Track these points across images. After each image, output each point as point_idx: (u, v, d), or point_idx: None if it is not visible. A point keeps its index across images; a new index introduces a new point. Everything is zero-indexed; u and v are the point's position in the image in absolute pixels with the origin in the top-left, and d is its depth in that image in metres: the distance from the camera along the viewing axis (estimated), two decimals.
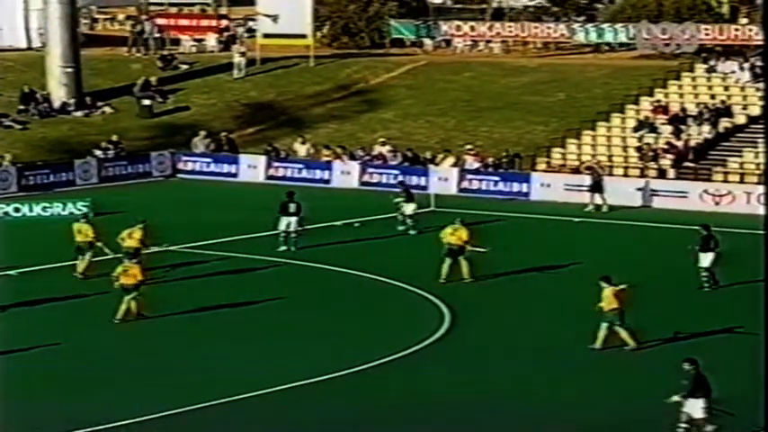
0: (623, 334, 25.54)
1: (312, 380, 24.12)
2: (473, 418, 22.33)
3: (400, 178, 43.80)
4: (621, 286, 25.78)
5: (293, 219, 34.99)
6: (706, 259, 30.44)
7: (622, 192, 42.38)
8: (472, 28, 58.87)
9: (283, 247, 34.87)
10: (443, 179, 45.25)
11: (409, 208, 37.70)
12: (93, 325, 28.19)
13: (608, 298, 25.56)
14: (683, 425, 20.18)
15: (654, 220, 39.54)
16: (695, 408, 20.03)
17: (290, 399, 23.32)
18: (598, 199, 42.03)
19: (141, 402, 22.83)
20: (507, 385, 24.06)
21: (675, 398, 20.34)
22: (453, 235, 31.29)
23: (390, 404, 22.96)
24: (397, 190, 39.05)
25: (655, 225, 38.75)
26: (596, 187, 42.19)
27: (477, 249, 31.56)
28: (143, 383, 24.17)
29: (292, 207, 35.07)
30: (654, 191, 42.83)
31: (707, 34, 52.75)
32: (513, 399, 23.21)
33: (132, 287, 27.84)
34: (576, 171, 45.75)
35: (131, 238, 30.88)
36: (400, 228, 37.66)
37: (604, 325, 25.59)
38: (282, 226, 35.03)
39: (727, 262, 31.36)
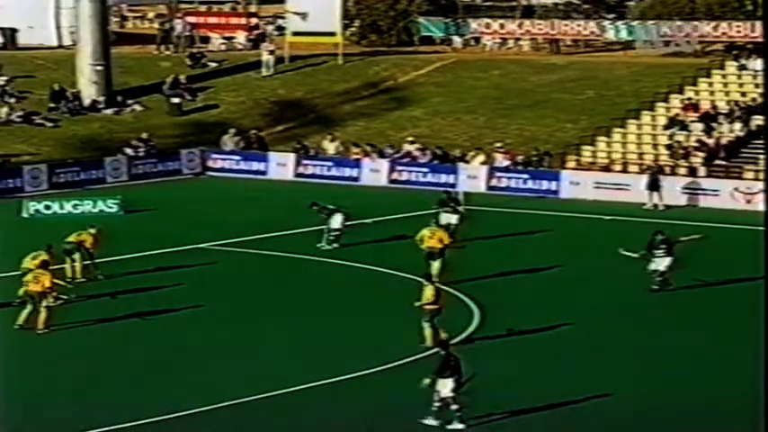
0: (427, 332, 25.53)
1: (339, 378, 24.13)
2: (499, 416, 22.27)
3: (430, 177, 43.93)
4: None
5: (340, 216, 34.97)
6: (663, 263, 30.26)
7: (667, 190, 42.22)
8: (501, 26, 58.72)
9: (328, 246, 34.74)
10: (473, 177, 45.16)
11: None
12: (121, 321, 28.30)
13: (427, 296, 25.70)
14: (437, 403, 21.39)
15: (697, 219, 38.96)
16: (445, 387, 21.28)
17: (318, 397, 23.30)
18: (656, 197, 41.90)
19: (170, 401, 22.88)
20: (533, 384, 23.99)
21: (426, 380, 21.47)
22: (432, 238, 30.61)
23: (417, 402, 22.89)
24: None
25: (696, 224, 38.12)
26: (654, 185, 42.05)
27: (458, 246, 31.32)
28: (173, 382, 24.21)
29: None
30: (686, 189, 42.69)
31: (738, 32, 52.45)
32: (540, 397, 23.14)
33: (38, 294, 26.95)
34: (605, 169, 45.64)
35: (34, 260, 28.69)
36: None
37: (425, 323, 25.67)
38: (336, 224, 34.91)
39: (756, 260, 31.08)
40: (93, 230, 31.42)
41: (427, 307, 25.74)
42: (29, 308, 27.17)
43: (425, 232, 30.86)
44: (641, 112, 48.29)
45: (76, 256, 30.99)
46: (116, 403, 22.82)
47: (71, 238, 31.03)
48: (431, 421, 21.57)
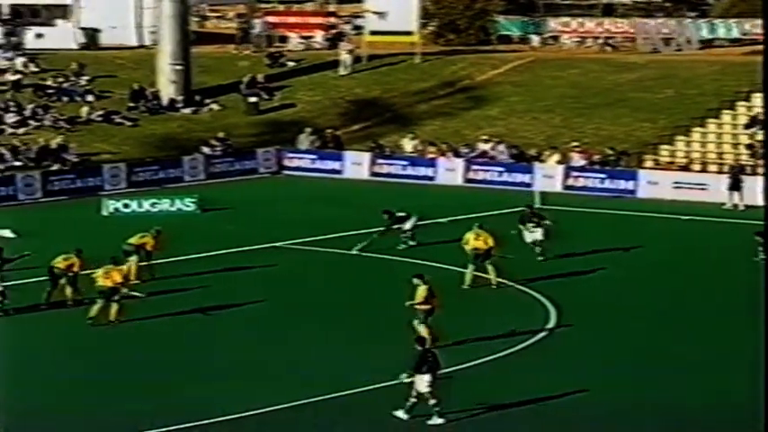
0: (423, 331, 25.33)
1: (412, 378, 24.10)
2: (571, 418, 22.10)
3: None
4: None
5: (413, 219, 35.05)
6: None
7: (748, 190, 41.60)
8: (581, 24, 58.31)
9: (404, 245, 34.77)
10: (548, 176, 44.88)
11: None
12: (196, 319, 28.54)
13: (420, 296, 25.64)
14: (413, 399, 21.82)
15: None
16: (421, 383, 21.71)
17: (389, 397, 23.28)
18: (737, 197, 41.34)
19: (248, 398, 23.00)
20: (608, 385, 23.79)
21: (404, 375, 22.04)
22: (478, 240, 30.52)
23: (492, 403, 22.81)
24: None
25: None
26: (735, 185, 41.48)
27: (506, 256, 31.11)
28: (254, 380, 24.33)
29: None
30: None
31: None
32: (613, 399, 22.95)
33: (109, 290, 27.65)
34: (684, 168, 45.10)
35: (65, 261, 29.22)
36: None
37: (416, 322, 25.52)
38: (409, 226, 34.98)
39: None
40: (154, 232, 31.56)
41: (419, 307, 25.71)
42: (99, 303, 27.72)
43: (470, 235, 30.82)
44: (721, 111, 47.60)
45: (133, 258, 31.03)
46: (189, 400, 23.03)
47: (132, 240, 31.28)
48: (401, 414, 21.92)
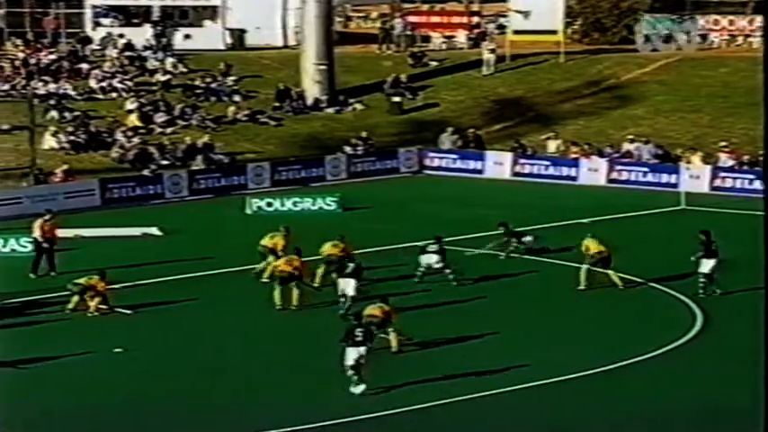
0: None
1: (556, 379, 24.00)
2: (715, 424, 21.58)
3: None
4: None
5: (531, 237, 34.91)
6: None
7: None
8: (731, 22, 56.97)
9: (513, 255, 34.56)
10: (695, 177, 43.99)
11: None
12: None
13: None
14: (350, 372, 22.97)
15: None
16: (348, 356, 22.98)
17: (535, 398, 23.09)
18: None
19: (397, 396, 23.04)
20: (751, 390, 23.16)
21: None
22: (600, 245, 30.67)
23: (634, 406, 22.45)
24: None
25: None
26: None
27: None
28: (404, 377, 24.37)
29: None
30: None
31: None
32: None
33: (288, 276, 28.75)
34: None
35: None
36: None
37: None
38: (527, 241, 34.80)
39: None
40: (284, 231, 31.63)
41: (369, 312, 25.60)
42: (278, 289, 28.88)
43: (589, 242, 30.95)
44: None
45: (270, 258, 31.17)
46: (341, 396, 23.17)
47: (265, 242, 31.48)
48: (357, 389, 22.66)
